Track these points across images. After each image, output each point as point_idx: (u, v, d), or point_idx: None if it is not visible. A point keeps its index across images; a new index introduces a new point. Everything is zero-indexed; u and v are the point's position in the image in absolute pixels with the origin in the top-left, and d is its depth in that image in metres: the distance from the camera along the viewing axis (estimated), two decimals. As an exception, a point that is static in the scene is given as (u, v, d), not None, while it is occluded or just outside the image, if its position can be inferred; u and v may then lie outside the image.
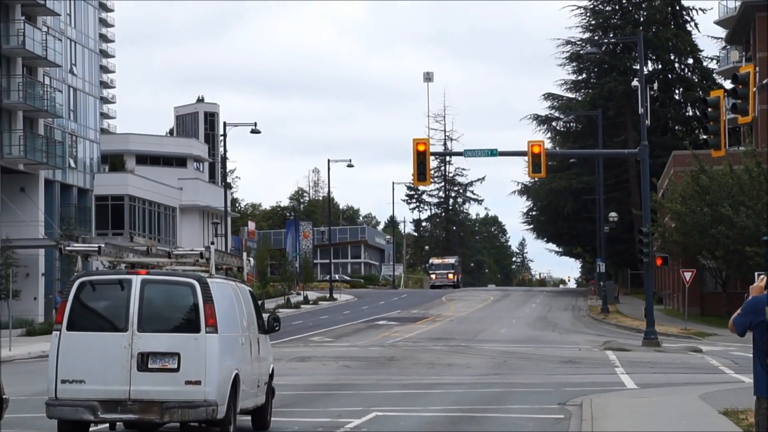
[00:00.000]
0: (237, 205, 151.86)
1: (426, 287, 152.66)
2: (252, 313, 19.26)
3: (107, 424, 17.75)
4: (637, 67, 58.94)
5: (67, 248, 18.35)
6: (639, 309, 65.26)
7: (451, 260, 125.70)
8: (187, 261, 19.14)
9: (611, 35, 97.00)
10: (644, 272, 50.64)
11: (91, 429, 17.73)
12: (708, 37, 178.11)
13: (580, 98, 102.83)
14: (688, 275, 55.84)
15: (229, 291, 18.08)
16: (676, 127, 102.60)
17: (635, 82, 55.06)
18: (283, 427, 19.98)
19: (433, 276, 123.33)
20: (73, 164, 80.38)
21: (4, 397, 19.02)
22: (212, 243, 24.45)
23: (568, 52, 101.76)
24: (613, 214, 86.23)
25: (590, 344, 47.10)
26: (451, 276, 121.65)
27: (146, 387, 16.42)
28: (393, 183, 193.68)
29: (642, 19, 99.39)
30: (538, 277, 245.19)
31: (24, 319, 61.03)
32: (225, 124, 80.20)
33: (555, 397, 25.24)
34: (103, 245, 17.70)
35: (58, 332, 16.71)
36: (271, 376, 20.28)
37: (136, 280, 16.82)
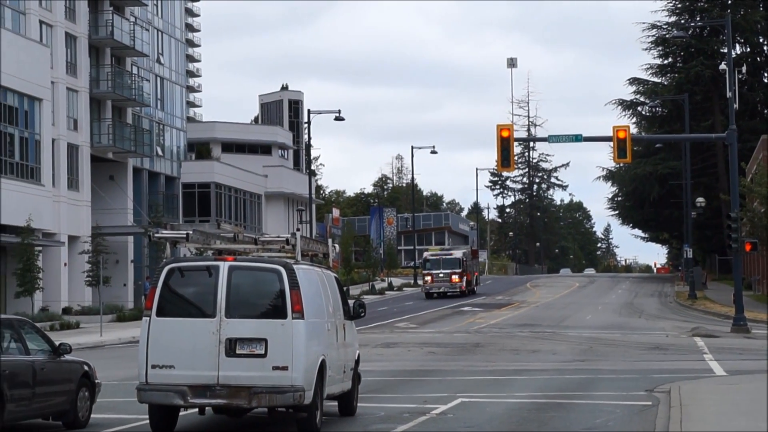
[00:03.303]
0: (321, 192, 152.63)
1: (511, 273, 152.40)
2: (338, 299, 19.34)
3: (196, 409, 17.96)
4: (725, 50, 58.04)
5: (156, 235, 18.55)
6: (727, 295, 64.38)
7: (457, 253, 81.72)
8: (273, 247, 19.24)
9: (698, 18, 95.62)
10: (733, 258, 49.91)
11: (180, 413, 17.98)
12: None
13: (666, 83, 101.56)
14: (777, 261, 54.91)
15: (315, 277, 18.16)
16: (765, 111, 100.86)
17: (723, 66, 54.33)
18: (369, 413, 20.06)
19: (428, 278, 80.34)
20: (160, 152, 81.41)
21: (96, 381, 19.41)
22: (298, 229, 24.65)
23: (653, 36, 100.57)
24: (700, 199, 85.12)
25: (678, 330, 46.59)
26: (456, 278, 79.50)
27: (234, 372, 16.54)
28: (477, 169, 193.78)
29: (730, 1, 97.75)
30: (623, 263, 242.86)
31: (114, 305, 62.03)
32: (309, 112, 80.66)
33: (642, 383, 25.02)
34: (191, 232, 17.85)
35: (147, 318, 16.86)
36: (357, 361, 20.35)
37: (224, 267, 16.95)
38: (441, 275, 79.62)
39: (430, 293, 79.48)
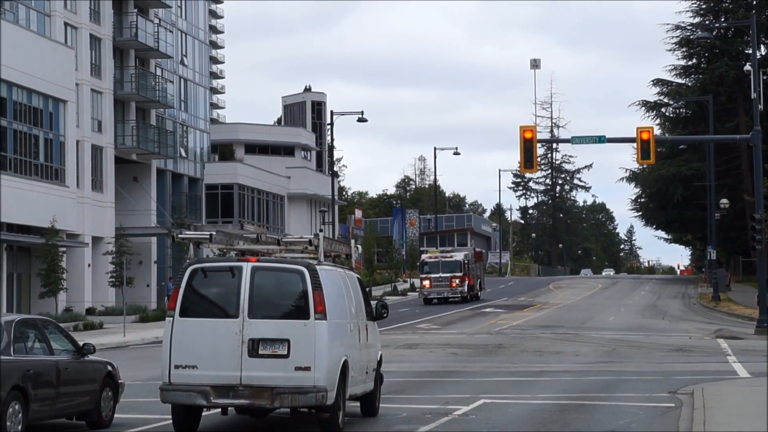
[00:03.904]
0: (344, 193, 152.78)
1: (533, 275, 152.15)
2: (360, 300, 19.36)
3: (219, 409, 18.01)
4: (750, 51, 57.83)
5: (180, 236, 18.64)
6: (751, 297, 64.06)
7: (458, 255, 75.55)
8: (296, 248, 19.29)
9: (722, 19, 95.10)
10: (757, 259, 49.69)
11: (203, 413, 18.03)
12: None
13: (690, 84, 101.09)
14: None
15: (338, 278, 18.19)
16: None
17: (747, 67, 54.22)
18: (391, 413, 20.08)
19: (426, 282, 74.43)
20: (183, 154, 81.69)
21: (119, 381, 19.51)
22: (321, 230, 24.66)
23: (677, 37, 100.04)
24: (724, 200, 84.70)
25: (701, 332, 46.42)
26: (456, 282, 73.48)
27: (257, 373, 16.58)
28: (499, 170, 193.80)
29: (755, 2, 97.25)
30: (646, 264, 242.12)
31: (137, 306, 62.28)
32: (332, 113, 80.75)
33: (665, 385, 24.95)
34: (214, 233, 17.92)
35: (171, 318, 16.92)
36: (380, 362, 20.37)
37: (247, 267, 16.98)
38: (440, 279, 73.43)
39: (428, 299, 73.45)
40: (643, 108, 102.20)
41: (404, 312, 64.24)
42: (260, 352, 16.62)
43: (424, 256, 77.64)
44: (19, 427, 16.26)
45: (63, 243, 57.59)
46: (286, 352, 16.60)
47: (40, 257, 54.98)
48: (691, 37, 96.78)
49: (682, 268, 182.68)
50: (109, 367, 19.23)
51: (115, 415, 19.16)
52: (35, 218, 55.32)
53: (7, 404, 15.98)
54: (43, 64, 56.63)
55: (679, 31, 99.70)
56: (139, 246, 68.91)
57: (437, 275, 73.49)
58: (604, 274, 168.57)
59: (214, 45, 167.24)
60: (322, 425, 17.25)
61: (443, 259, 74.20)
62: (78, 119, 63.33)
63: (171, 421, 17.52)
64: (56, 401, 17.40)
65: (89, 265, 64.33)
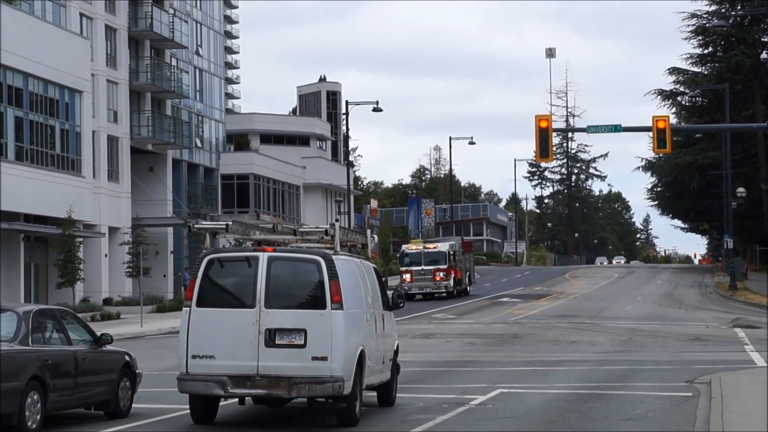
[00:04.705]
0: (359, 183, 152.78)
1: (549, 264, 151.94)
2: (377, 289, 19.35)
3: (236, 399, 18.06)
4: (766, 39, 57.49)
5: (196, 226, 18.68)
6: (768, 286, 63.92)
7: (443, 246, 68.79)
8: (312, 238, 19.29)
9: (739, 7, 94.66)
10: (774, 249, 49.50)
11: (220, 403, 18.07)
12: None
13: (706, 72, 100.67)
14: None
15: (354, 268, 18.19)
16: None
17: (764, 55, 53.86)
18: (408, 403, 20.09)
19: (406, 276, 67.10)
20: (199, 144, 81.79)
21: (137, 371, 19.56)
22: (337, 220, 24.68)
23: (693, 25, 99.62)
24: (740, 189, 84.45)
25: (718, 321, 46.33)
26: (440, 276, 66.59)
27: (274, 363, 16.59)
28: (515, 160, 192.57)
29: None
30: (663, 253, 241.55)
31: (154, 296, 62.42)
32: (347, 103, 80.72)
33: (682, 374, 24.91)
34: (230, 223, 17.92)
35: (188, 309, 16.93)
36: (396, 352, 20.37)
37: (263, 257, 16.99)
38: (422, 272, 65.95)
39: (410, 294, 63.80)
40: (659, 97, 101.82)
41: (420, 302, 64.27)
42: (277, 342, 16.64)
43: (404, 247, 71.21)
44: (38, 417, 16.32)
45: (80, 233, 57.74)
46: (302, 342, 16.62)
47: (57, 248, 55.13)
48: (707, 25, 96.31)
49: (700, 257, 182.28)
50: (127, 357, 19.28)
51: (133, 405, 19.22)
52: (52, 209, 55.47)
53: (26, 394, 16.04)
54: (59, 54, 56.72)
55: (695, 19, 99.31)
56: (156, 236, 69.01)
57: (419, 268, 65.98)
58: (614, 262, 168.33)
59: (229, 35, 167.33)
60: (339, 415, 17.28)
61: (426, 250, 67.25)
62: (94, 110, 63.42)
63: (188, 411, 17.58)
64: (74, 391, 17.46)
65: (106, 256, 64.50)
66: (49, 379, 16.62)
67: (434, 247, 68.00)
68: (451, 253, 67.51)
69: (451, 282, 66.86)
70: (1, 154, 52.07)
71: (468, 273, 72.47)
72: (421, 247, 68.01)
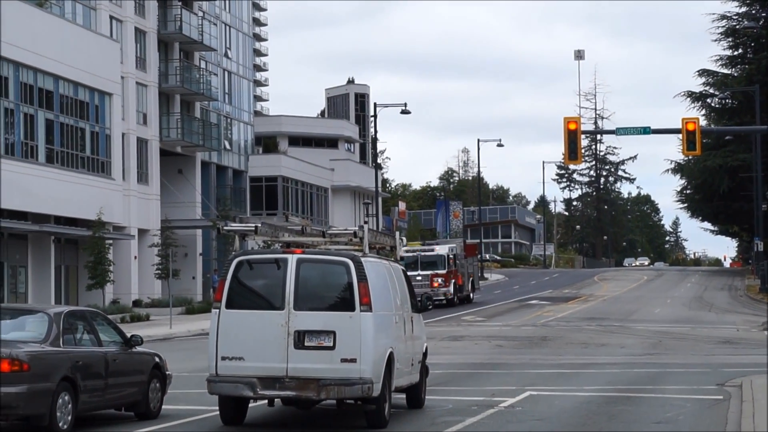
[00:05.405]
0: (387, 185, 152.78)
1: (578, 267, 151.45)
2: (405, 291, 19.32)
3: (266, 401, 18.08)
4: (797, 40, 57.12)
5: (225, 228, 18.69)
6: (799, 289, 63.51)
7: (441, 249, 63.65)
8: (341, 240, 19.30)
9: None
10: (805, 251, 49.21)
11: (250, 405, 18.11)
12: None
13: (736, 74, 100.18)
14: None
15: (383, 270, 18.17)
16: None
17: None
18: (437, 405, 20.07)
19: None
20: (228, 146, 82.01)
21: (167, 373, 19.63)
22: (366, 222, 24.67)
23: (723, 27, 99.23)
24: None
25: (749, 324, 46.07)
26: (438, 282, 61.58)
27: (303, 364, 16.60)
28: (543, 162, 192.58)
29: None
30: (692, 256, 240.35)
31: (183, 298, 62.63)
32: (375, 105, 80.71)
33: (713, 377, 24.77)
34: (259, 225, 17.95)
35: (217, 310, 16.95)
36: (425, 354, 20.34)
37: (292, 259, 17.00)
38: (419, 278, 59.50)
39: None
40: (689, 99, 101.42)
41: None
42: (306, 343, 16.64)
43: (402, 249, 64.79)
44: (69, 418, 16.40)
45: (110, 235, 58.03)
46: (332, 344, 16.62)
47: (87, 249, 55.41)
48: (738, 26, 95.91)
49: (730, 260, 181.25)
50: (157, 359, 19.34)
51: (163, 406, 19.28)
52: (82, 211, 55.77)
53: (57, 395, 16.12)
54: (89, 57, 57.02)
55: (725, 20, 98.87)
56: (185, 238, 69.26)
57: (415, 273, 58.86)
58: (638, 263, 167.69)
59: (258, 37, 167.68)
60: (368, 417, 17.27)
61: (422, 253, 62.36)
62: (123, 112, 63.72)
63: (218, 413, 17.61)
64: (105, 392, 17.53)
65: (135, 258, 64.78)
66: (80, 380, 16.70)
67: (432, 250, 63.00)
68: (451, 256, 62.67)
69: (451, 288, 62.04)
70: (32, 156, 52.43)
71: (471, 279, 68.00)
72: (417, 251, 62.76)
